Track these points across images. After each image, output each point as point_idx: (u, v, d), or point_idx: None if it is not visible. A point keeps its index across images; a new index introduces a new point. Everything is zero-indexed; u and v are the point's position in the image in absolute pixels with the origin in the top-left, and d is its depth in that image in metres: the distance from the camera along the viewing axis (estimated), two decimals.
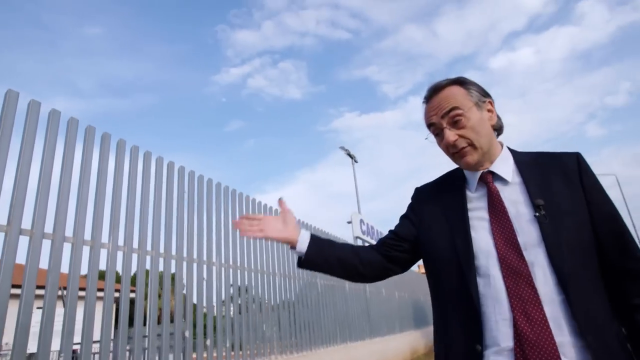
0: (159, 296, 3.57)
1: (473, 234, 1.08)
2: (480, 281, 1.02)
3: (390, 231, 1.29)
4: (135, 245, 3.41)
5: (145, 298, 3.42)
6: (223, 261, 4.39)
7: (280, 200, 1.30)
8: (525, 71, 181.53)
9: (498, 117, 1.17)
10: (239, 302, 4.66)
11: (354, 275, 1.26)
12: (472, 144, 1.10)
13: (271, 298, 5.15)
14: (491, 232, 1.05)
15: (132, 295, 3.33)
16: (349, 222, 10.32)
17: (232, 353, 4.21)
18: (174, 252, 3.77)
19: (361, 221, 10.65)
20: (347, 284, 7.31)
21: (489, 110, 1.15)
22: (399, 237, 1.26)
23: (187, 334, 4.13)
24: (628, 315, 1.01)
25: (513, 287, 0.98)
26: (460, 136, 1.10)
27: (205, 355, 3.88)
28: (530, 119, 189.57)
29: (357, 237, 9.96)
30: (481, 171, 1.14)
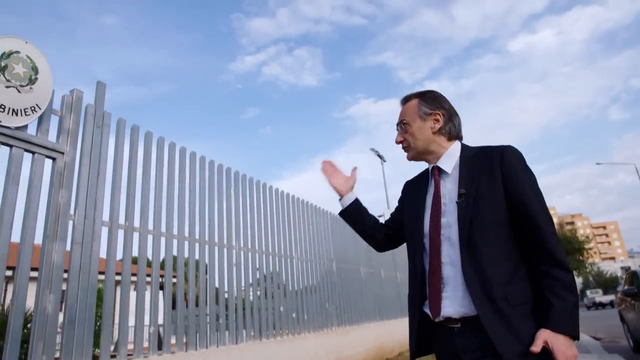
0: (196, 280, 3.76)
1: (424, 217, 1.44)
2: (423, 252, 1.42)
3: (390, 214, 1.74)
4: (175, 232, 3.63)
5: (185, 282, 3.69)
6: (269, 249, 4.67)
7: (354, 169, 1.80)
8: (546, 54, 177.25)
9: (454, 126, 1.50)
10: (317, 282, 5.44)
11: (366, 237, 1.75)
12: (409, 145, 1.51)
13: (334, 281, 6.30)
14: (429, 216, 1.42)
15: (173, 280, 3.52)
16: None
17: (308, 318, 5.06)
18: (216, 240, 4.04)
19: None
20: (383, 272, 8.32)
21: (435, 120, 1.48)
22: (393, 219, 1.70)
23: (281, 308, 4.60)
24: (536, 278, 1.26)
25: (431, 256, 1.37)
26: (404, 138, 1.53)
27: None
28: (549, 103, 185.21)
29: None
30: (432, 165, 1.50)
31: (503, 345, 1.16)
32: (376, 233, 1.71)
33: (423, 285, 1.40)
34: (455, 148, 1.47)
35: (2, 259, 2.32)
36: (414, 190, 1.58)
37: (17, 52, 2.52)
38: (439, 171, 1.46)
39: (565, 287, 1.20)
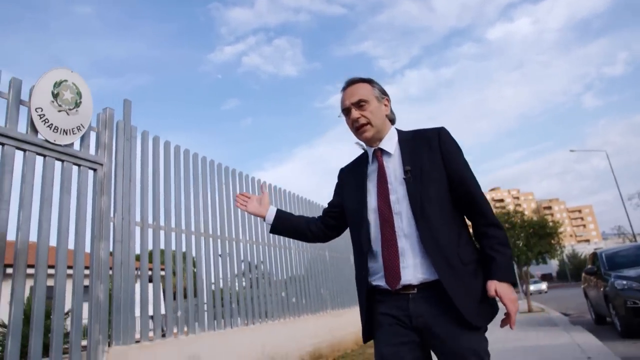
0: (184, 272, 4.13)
1: (368, 197, 1.52)
2: (370, 229, 1.49)
3: (328, 203, 1.80)
4: (173, 225, 3.84)
5: (174, 275, 3.88)
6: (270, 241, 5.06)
7: (262, 185, 1.97)
8: (523, 42, 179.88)
9: (392, 111, 1.63)
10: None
11: (304, 239, 1.80)
12: (369, 123, 1.53)
13: (327, 269, 6.63)
14: (376, 195, 1.50)
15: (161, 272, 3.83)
16: None
17: (304, 302, 5.56)
18: (225, 234, 4.43)
19: None
20: (351, 257, 8.61)
21: (385, 105, 1.59)
22: (332, 206, 1.75)
23: (283, 294, 5.10)
24: (478, 238, 1.46)
25: (383, 231, 1.44)
26: (363, 116, 1.53)
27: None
28: (527, 91, 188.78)
29: None
30: (374, 148, 1.58)
31: (463, 305, 1.33)
32: (313, 230, 1.76)
33: (369, 261, 1.49)
34: (393, 132, 1.59)
35: (63, 258, 2.78)
36: (352, 175, 1.65)
37: (65, 80, 2.94)
38: (382, 152, 1.55)
39: (501, 243, 1.41)
